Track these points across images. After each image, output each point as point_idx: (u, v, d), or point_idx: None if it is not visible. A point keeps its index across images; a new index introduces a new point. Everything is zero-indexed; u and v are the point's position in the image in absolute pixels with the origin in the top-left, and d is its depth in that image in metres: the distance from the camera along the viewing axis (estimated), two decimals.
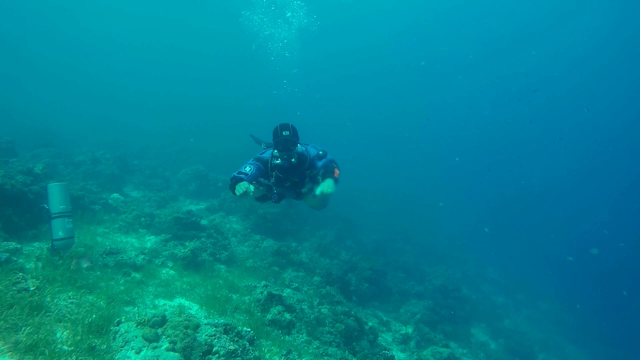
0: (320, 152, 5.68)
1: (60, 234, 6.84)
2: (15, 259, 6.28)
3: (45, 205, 6.95)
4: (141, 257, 8.45)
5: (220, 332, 5.39)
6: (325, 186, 5.04)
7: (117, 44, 57.32)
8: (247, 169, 5.36)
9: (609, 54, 39.74)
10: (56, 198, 6.93)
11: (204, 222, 12.21)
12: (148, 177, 18.37)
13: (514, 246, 32.22)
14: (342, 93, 58.04)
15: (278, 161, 5.44)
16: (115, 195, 13.15)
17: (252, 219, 14.39)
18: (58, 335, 4.68)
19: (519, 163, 50.95)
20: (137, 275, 7.71)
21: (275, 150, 5.49)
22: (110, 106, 42.00)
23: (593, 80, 43.59)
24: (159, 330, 5.18)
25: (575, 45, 41.14)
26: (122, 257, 8.06)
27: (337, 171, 5.40)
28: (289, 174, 5.53)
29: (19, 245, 6.90)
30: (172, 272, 8.55)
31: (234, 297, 8.05)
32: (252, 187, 4.98)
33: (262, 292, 7.93)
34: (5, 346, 3.94)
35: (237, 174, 5.29)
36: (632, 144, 45.21)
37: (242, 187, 4.86)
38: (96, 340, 4.79)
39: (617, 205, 44.21)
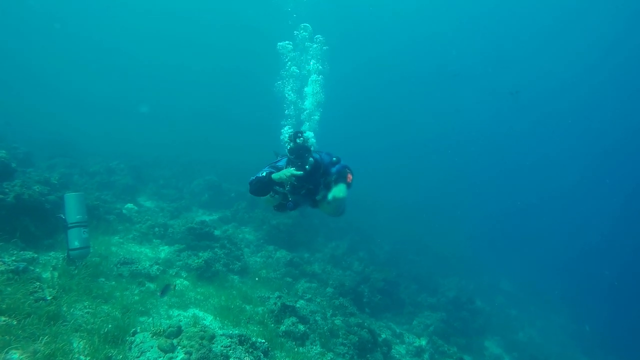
0: (334, 159, 5.68)
1: (76, 244, 6.88)
2: (33, 268, 6.33)
3: (62, 215, 7.00)
4: (155, 267, 8.50)
5: (236, 343, 5.38)
6: (337, 191, 5.08)
7: (130, 56, 58.00)
8: (264, 173, 5.37)
9: (613, 61, 39.48)
10: (73, 208, 6.99)
11: (217, 232, 12.22)
12: (161, 188, 18.48)
13: (527, 257, 31.94)
14: (351, 100, 58.16)
15: (292, 170, 5.43)
16: (130, 205, 13.24)
17: (265, 230, 14.39)
18: (75, 344, 4.70)
19: (528, 172, 50.86)
20: (152, 286, 7.74)
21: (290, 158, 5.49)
22: (124, 118, 42.53)
23: (598, 85, 43.28)
24: (175, 341, 5.17)
25: (580, 53, 40.97)
26: (137, 267, 8.11)
27: (350, 176, 5.46)
28: (304, 181, 5.49)
29: (35, 255, 6.95)
30: (186, 282, 8.56)
31: (248, 307, 8.04)
32: (292, 169, 5.15)
33: (275, 303, 7.91)
34: (24, 355, 3.95)
35: (256, 177, 5.33)
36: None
37: (286, 171, 5.09)
38: (112, 351, 4.81)
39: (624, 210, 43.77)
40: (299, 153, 5.33)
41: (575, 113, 47.77)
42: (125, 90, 54.64)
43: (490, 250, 29.46)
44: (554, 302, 23.90)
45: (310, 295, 10.34)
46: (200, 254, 9.78)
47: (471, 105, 53.46)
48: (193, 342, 5.14)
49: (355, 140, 51.56)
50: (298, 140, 5.31)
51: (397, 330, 11.96)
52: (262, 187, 5.33)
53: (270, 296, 8.47)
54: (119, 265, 7.98)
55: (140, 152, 26.52)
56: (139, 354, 4.92)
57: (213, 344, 5.33)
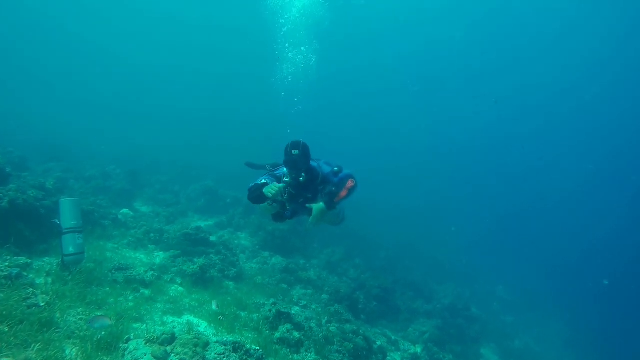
0: (335, 168, 5.68)
1: (71, 250, 6.85)
2: (26, 274, 6.30)
3: (57, 221, 6.97)
4: (150, 273, 8.46)
5: (230, 351, 5.36)
6: (316, 210, 5.41)
7: (128, 58, 57.94)
8: (263, 181, 5.42)
9: (621, 60, 39.55)
10: (68, 213, 6.96)
11: (212, 238, 12.19)
12: (158, 192, 18.43)
13: (523, 263, 31.90)
14: (347, 103, 58.11)
15: (287, 179, 5.46)
16: (125, 210, 13.22)
17: (261, 236, 14.36)
18: (67, 352, 4.67)
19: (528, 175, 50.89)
20: (146, 292, 7.71)
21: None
22: (121, 121, 42.38)
23: (606, 88, 43.38)
24: (168, 348, 5.14)
25: (588, 52, 41.03)
26: (131, 273, 8.06)
27: (347, 190, 5.46)
28: (302, 190, 5.52)
29: (29, 261, 6.92)
30: (180, 288, 8.53)
31: (243, 314, 8.01)
32: (281, 185, 5.07)
33: (270, 310, 7.88)
34: None
35: (254, 184, 5.33)
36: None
37: (273, 187, 4.96)
38: (105, 358, 4.78)
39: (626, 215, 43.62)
40: (294, 164, 5.34)
41: (572, 119, 47.97)
42: (123, 93, 54.52)
43: (486, 256, 29.43)
44: (549, 308, 23.88)
45: (305, 302, 10.33)
46: (196, 260, 9.75)
47: (469, 109, 53.57)
48: (187, 350, 5.12)
49: (351, 144, 51.52)
50: (294, 152, 5.30)
51: (393, 337, 11.93)
52: (260, 195, 5.33)
53: (266, 303, 8.42)
54: (113, 271, 7.94)
55: (138, 155, 26.44)
56: None
57: (207, 351, 5.30)
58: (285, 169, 5.57)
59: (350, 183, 5.47)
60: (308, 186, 5.51)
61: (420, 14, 44.82)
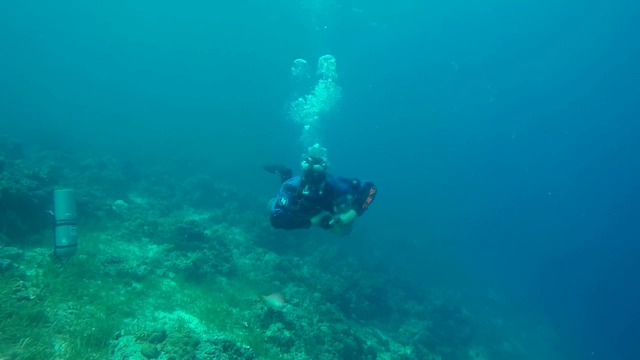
0: (354, 182, 6.04)
1: (64, 242, 6.78)
2: (17, 265, 6.22)
3: (51, 211, 6.91)
4: (143, 267, 8.41)
5: (220, 350, 5.34)
6: (346, 217, 5.83)
7: (130, 47, 57.55)
8: (284, 201, 5.76)
9: (614, 62, 39.56)
10: (62, 205, 6.88)
11: (207, 232, 12.16)
12: (153, 184, 18.35)
13: (514, 266, 31.99)
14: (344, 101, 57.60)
15: (306, 192, 5.77)
16: (120, 201, 13.13)
17: (255, 231, 14.34)
18: (56, 347, 4.62)
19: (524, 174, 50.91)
20: (138, 286, 7.66)
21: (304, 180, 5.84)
22: (121, 110, 42.10)
23: (599, 88, 43.40)
24: (158, 346, 5.11)
25: (581, 53, 41.00)
26: (124, 266, 8.02)
27: (371, 196, 6.04)
28: (314, 203, 5.88)
29: (20, 251, 6.85)
30: (173, 283, 8.49)
31: (234, 311, 7.99)
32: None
33: (262, 308, 7.88)
34: (3, 359, 3.87)
35: (277, 208, 5.76)
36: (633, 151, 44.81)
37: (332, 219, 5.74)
38: (94, 354, 4.73)
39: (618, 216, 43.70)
40: (315, 179, 5.70)
41: (563, 118, 48.01)
42: (124, 83, 54.16)
43: (479, 258, 29.46)
44: (539, 313, 24.00)
45: (297, 300, 10.32)
46: (189, 254, 9.74)
47: (459, 107, 53.46)
48: (177, 348, 5.09)
49: (345, 142, 51.35)
50: (315, 167, 5.67)
51: (383, 338, 11.95)
52: (289, 221, 5.82)
53: (257, 300, 8.42)
54: (105, 264, 7.89)
55: (135, 146, 26.32)
56: (122, 358, 4.85)
57: (197, 350, 5.28)
58: (300, 180, 5.91)
59: (372, 190, 6.04)
60: (322, 200, 5.86)
61: (417, 12, 44.73)
